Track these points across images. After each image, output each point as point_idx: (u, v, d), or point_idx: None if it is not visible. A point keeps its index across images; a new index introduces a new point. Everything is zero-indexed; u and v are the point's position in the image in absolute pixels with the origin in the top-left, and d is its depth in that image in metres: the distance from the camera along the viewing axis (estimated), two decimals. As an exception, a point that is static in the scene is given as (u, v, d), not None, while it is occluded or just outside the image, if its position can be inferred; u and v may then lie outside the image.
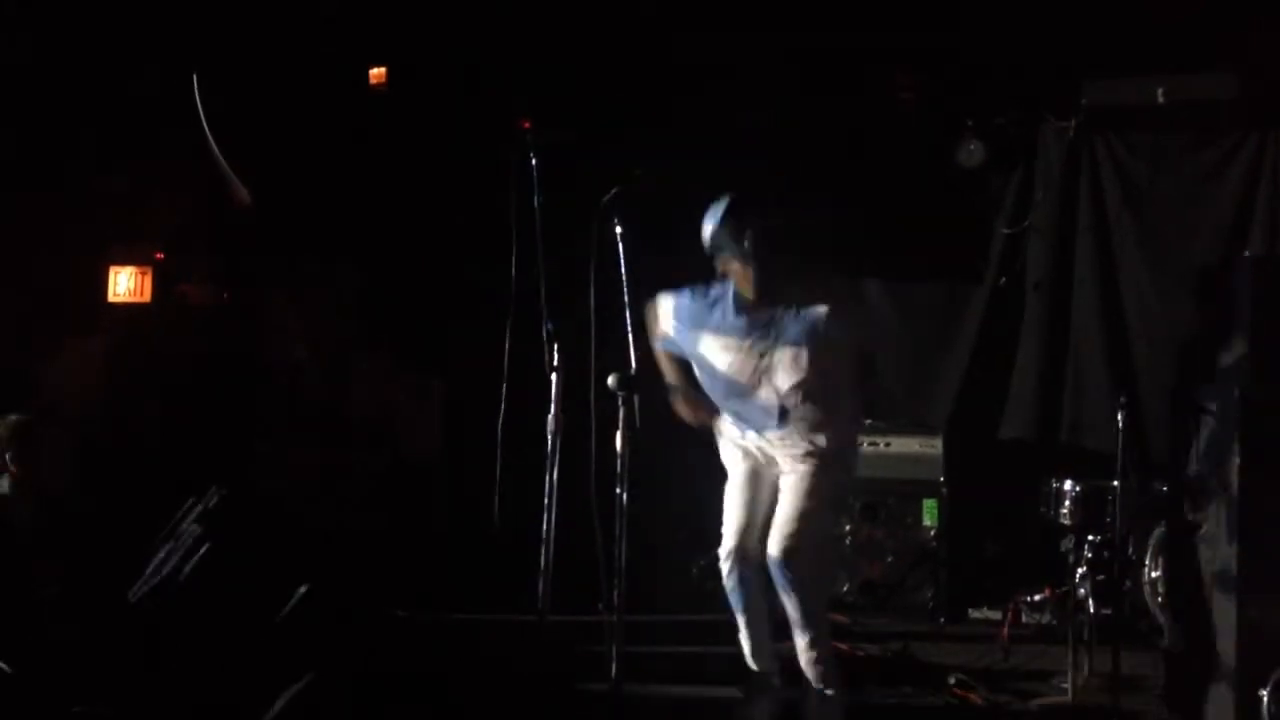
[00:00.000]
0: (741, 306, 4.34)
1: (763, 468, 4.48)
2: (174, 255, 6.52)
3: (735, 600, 4.48)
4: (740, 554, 4.43)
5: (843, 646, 5.23)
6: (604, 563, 3.81)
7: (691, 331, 4.42)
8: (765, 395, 4.34)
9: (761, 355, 4.32)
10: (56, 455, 4.10)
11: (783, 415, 4.33)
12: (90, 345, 6.32)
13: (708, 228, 4.29)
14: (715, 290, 4.39)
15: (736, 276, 4.33)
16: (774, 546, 4.30)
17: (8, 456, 3.98)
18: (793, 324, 4.28)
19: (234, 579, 3.98)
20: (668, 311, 4.48)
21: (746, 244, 4.23)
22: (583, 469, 3.91)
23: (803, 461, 4.35)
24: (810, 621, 4.35)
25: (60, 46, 5.87)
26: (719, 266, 4.34)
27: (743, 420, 4.45)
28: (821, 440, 4.34)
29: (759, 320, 4.32)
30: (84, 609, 3.94)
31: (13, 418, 4.07)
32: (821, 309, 4.25)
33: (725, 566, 4.46)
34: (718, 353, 4.37)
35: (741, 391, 4.37)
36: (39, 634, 3.78)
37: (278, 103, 6.07)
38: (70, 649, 3.79)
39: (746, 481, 4.49)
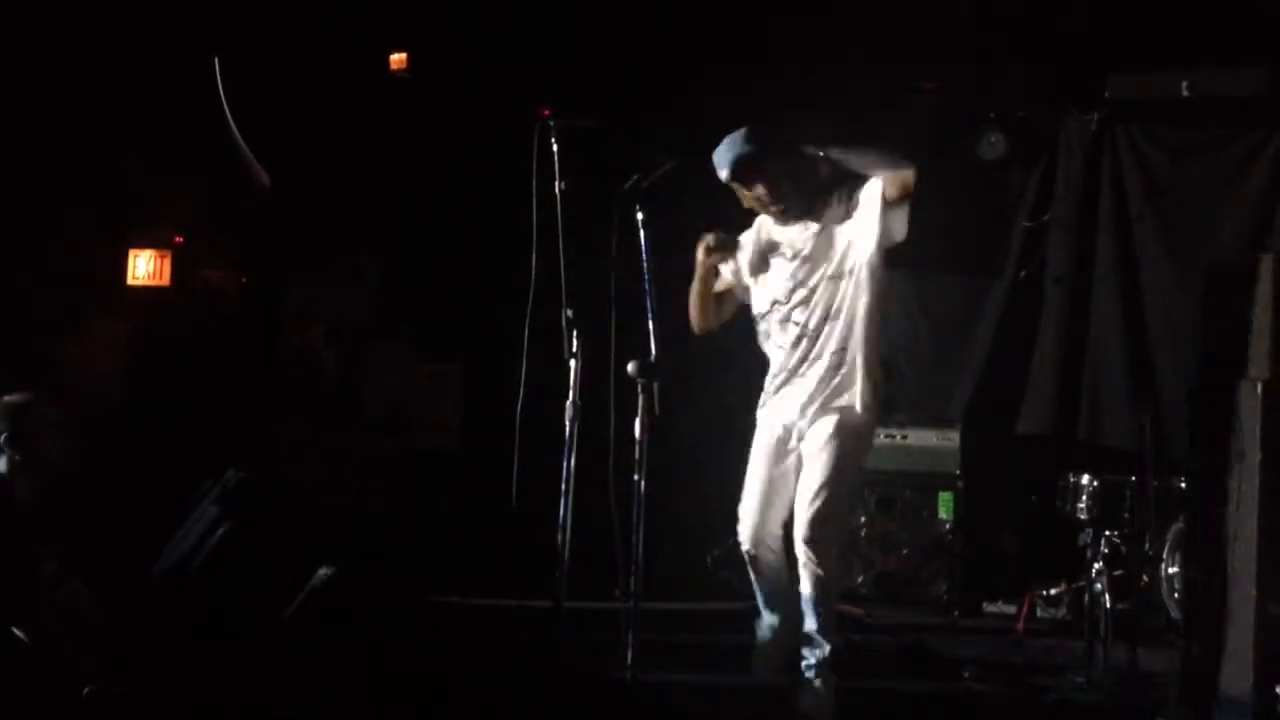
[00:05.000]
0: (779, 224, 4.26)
1: (786, 439, 4.25)
2: (193, 239, 6.54)
3: (756, 587, 4.31)
4: (757, 536, 4.24)
5: (856, 638, 5.24)
6: (621, 550, 3.81)
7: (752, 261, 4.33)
8: (799, 318, 4.19)
9: (801, 279, 4.20)
10: (54, 434, 4.08)
11: (812, 343, 4.15)
12: (110, 329, 6.34)
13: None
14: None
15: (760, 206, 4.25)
16: (798, 526, 4.11)
17: (3, 437, 3.98)
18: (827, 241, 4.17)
19: (251, 561, 4.00)
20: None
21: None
22: (601, 456, 3.91)
23: (826, 421, 4.13)
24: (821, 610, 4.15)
25: (82, 29, 5.88)
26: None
27: (782, 365, 4.26)
28: (847, 397, 4.13)
29: (797, 240, 4.23)
30: (97, 588, 3.96)
31: (9, 398, 4.06)
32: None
33: (744, 549, 4.29)
34: (768, 280, 4.29)
35: (784, 317, 4.24)
36: (41, 612, 3.80)
37: (298, 87, 6.08)
38: (71, 627, 3.80)
39: (769, 452, 4.28)
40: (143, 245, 6.52)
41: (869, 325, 4.15)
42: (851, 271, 4.15)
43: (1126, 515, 5.33)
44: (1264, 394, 4.11)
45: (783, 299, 4.24)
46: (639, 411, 3.78)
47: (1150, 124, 6.26)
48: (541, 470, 4.02)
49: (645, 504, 3.80)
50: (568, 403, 3.92)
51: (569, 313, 3.91)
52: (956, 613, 5.94)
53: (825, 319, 4.17)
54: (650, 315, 3.89)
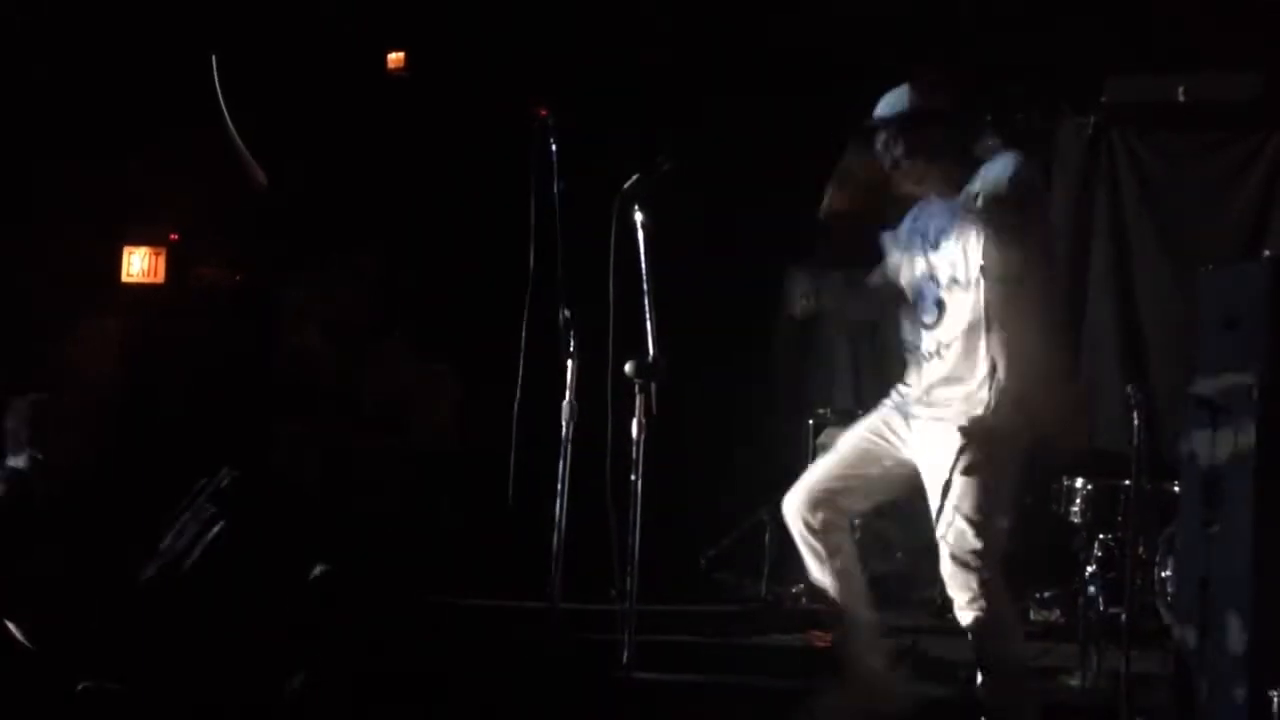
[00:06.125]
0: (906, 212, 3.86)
1: (886, 444, 3.87)
2: (189, 237, 6.53)
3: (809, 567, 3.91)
4: (798, 515, 3.87)
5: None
6: (617, 550, 3.81)
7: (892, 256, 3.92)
8: (926, 297, 3.73)
9: (921, 258, 3.75)
10: (73, 434, 4.14)
11: (934, 321, 3.68)
12: (105, 327, 6.33)
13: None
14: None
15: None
16: (952, 581, 3.72)
17: (24, 436, 4.03)
18: (944, 214, 3.66)
19: (245, 559, 4.00)
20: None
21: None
22: (598, 456, 3.91)
23: (947, 433, 3.60)
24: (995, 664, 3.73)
25: (77, 25, 5.87)
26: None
27: (908, 356, 3.83)
28: (978, 396, 3.56)
29: (919, 222, 3.80)
30: (94, 586, 3.97)
31: (31, 397, 4.12)
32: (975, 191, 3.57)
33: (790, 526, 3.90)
34: (901, 271, 3.87)
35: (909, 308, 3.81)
36: (49, 610, 3.81)
37: (295, 86, 6.08)
38: (76, 625, 3.81)
39: (854, 442, 3.91)
40: (137, 242, 6.51)
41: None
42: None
43: (1120, 518, 5.34)
44: (1258, 396, 4.12)
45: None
46: (636, 412, 3.79)
47: (1147, 128, 6.29)
48: (538, 470, 4.02)
49: (641, 505, 3.79)
50: (565, 403, 3.92)
51: (566, 313, 3.91)
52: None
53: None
54: (648, 316, 3.89)
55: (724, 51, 6.05)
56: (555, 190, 3.96)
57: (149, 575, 4.05)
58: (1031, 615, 5.73)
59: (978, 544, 3.65)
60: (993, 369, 3.54)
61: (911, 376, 3.87)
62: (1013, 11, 5.96)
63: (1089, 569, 5.03)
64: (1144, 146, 6.32)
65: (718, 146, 5.89)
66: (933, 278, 3.73)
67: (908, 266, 3.85)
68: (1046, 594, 5.75)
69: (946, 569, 3.76)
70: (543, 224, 3.99)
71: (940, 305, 3.71)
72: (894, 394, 3.94)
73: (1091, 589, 4.93)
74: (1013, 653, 3.79)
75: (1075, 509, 5.44)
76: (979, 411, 3.57)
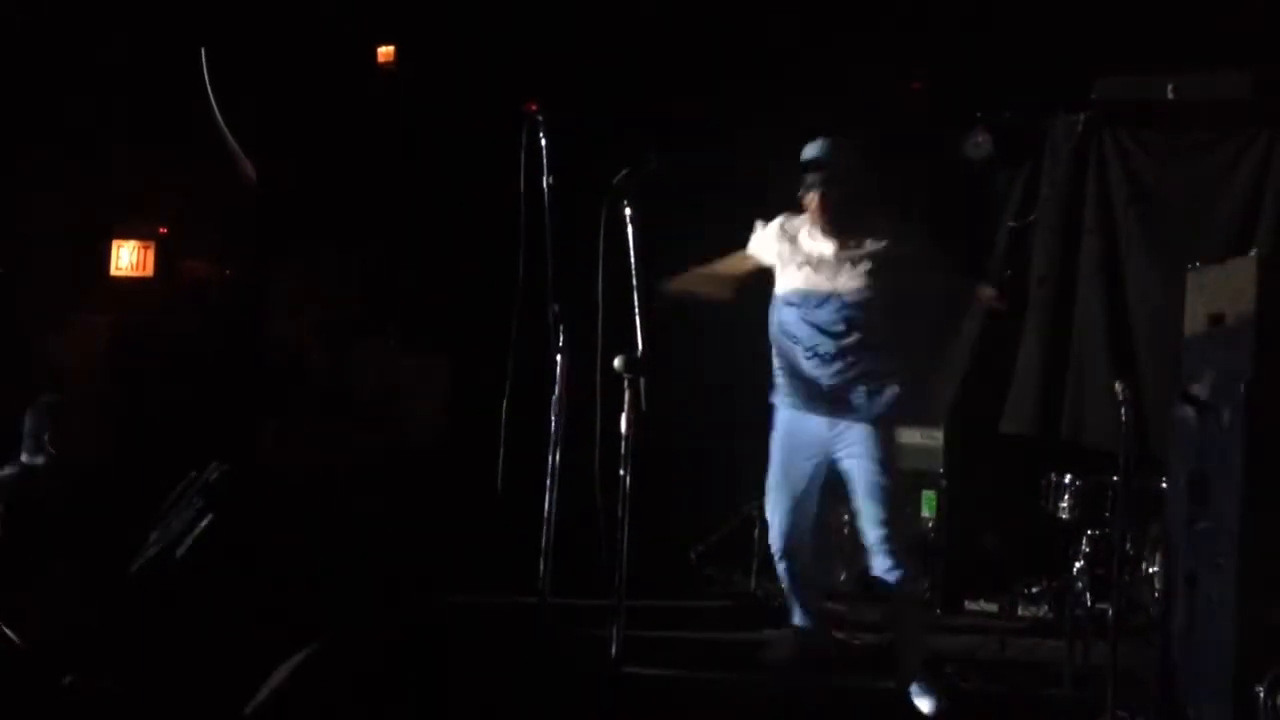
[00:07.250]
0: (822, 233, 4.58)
1: (806, 448, 4.57)
2: (178, 231, 6.52)
3: (793, 592, 4.72)
4: (790, 554, 4.64)
5: (840, 635, 5.26)
6: (606, 546, 3.81)
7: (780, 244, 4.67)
8: (832, 302, 4.49)
9: (834, 271, 4.52)
10: (89, 434, 4.16)
11: (849, 326, 4.45)
12: (95, 322, 6.32)
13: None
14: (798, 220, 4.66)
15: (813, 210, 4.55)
16: (875, 546, 4.55)
17: (44, 437, 4.04)
18: (868, 247, 4.50)
19: (234, 553, 3.99)
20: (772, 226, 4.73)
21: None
22: (587, 451, 3.91)
23: (866, 410, 4.46)
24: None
25: (69, 17, 5.85)
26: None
27: (804, 346, 4.54)
28: (890, 385, 4.47)
29: (838, 246, 4.55)
30: (92, 583, 3.97)
31: (48, 398, 4.13)
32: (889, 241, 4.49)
33: (780, 566, 4.69)
34: (796, 270, 4.61)
35: (812, 301, 4.53)
36: (58, 609, 3.81)
37: (286, 80, 6.07)
38: (70, 621, 3.81)
39: (786, 474, 4.60)
40: (126, 236, 6.49)
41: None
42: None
43: (1108, 514, 5.36)
44: (1245, 394, 4.14)
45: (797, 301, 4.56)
46: (625, 407, 3.79)
47: (1136, 126, 6.30)
48: (527, 465, 4.02)
49: (631, 499, 3.79)
50: (554, 398, 3.92)
51: (556, 308, 3.91)
52: (939, 610, 5.96)
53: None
54: (637, 311, 3.89)
55: (718, 47, 6.05)
56: (545, 185, 3.95)
57: (136, 569, 4.04)
58: (1019, 610, 5.75)
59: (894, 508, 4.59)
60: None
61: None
62: (1005, 10, 5.96)
63: (1077, 564, 5.05)
64: (1134, 145, 6.34)
65: (709, 143, 5.91)
66: None
67: None
68: (1034, 589, 5.77)
69: (879, 536, 4.54)
70: (532, 219, 3.98)
71: None
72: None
73: (1079, 584, 4.95)
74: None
75: (1063, 504, 5.45)
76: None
